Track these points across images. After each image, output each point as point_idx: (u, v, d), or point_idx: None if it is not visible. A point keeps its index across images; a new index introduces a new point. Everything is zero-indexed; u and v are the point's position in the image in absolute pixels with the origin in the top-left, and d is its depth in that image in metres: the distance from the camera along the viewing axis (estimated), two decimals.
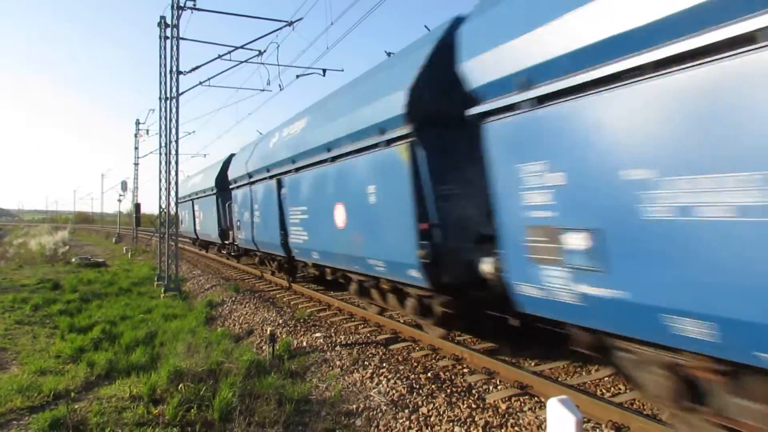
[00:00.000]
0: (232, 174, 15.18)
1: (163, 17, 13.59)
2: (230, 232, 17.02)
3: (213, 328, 8.93)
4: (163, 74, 13.79)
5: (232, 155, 17.37)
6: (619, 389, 5.11)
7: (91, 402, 5.02)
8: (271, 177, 11.19)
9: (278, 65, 15.05)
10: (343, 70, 16.22)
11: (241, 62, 15.11)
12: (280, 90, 16.21)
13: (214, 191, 18.19)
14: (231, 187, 15.50)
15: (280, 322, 8.52)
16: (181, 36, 13.51)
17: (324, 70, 15.65)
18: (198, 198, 21.36)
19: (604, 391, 5.08)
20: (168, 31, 13.45)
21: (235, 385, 5.21)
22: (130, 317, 9.63)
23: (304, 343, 7.22)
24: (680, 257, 2.80)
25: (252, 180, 12.78)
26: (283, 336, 7.62)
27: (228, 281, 13.90)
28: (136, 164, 35.07)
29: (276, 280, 13.41)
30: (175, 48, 13.36)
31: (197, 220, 22.59)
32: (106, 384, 5.71)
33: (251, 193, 13.01)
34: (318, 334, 7.53)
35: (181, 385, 5.19)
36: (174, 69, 13.40)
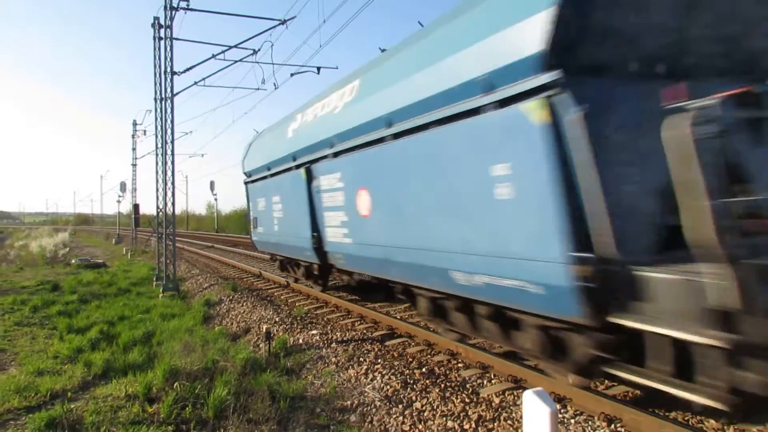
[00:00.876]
0: None
1: (156, 18, 13.57)
2: None
3: (210, 327, 8.97)
4: (157, 75, 13.79)
5: None
6: (613, 383, 5.13)
7: (87, 401, 5.05)
8: None
9: (272, 64, 15.03)
10: (337, 68, 16.32)
11: (236, 61, 15.12)
12: (275, 89, 16.23)
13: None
14: None
15: (277, 320, 8.56)
16: (174, 36, 13.55)
17: (318, 68, 15.69)
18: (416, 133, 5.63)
19: (597, 383, 5.10)
20: (162, 32, 13.45)
21: (230, 383, 5.24)
22: (128, 317, 9.67)
23: (301, 341, 7.25)
24: None
25: None
26: (280, 334, 7.65)
27: (226, 280, 13.92)
28: (134, 165, 35.14)
29: (274, 278, 13.42)
30: (169, 48, 13.38)
31: (365, 209, 6.88)
32: (103, 384, 5.74)
33: None
34: (314, 332, 7.55)
35: (176, 384, 5.22)
36: (168, 69, 13.41)
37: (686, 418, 4.19)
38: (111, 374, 6.01)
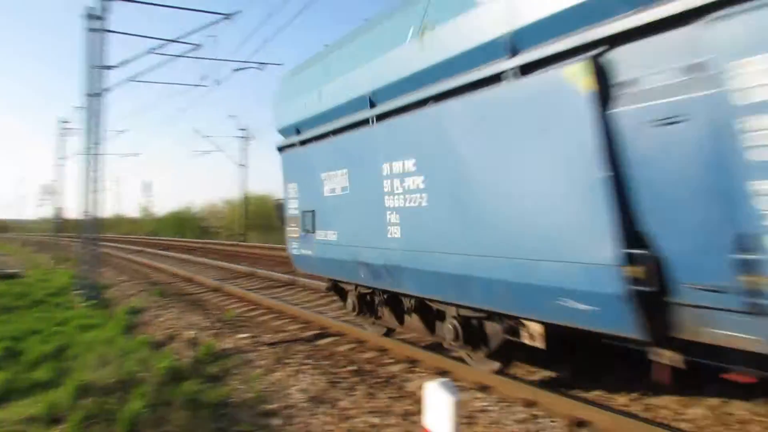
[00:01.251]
0: None
1: (89, 8, 12.49)
2: None
3: (133, 336, 8.44)
4: (88, 69, 12.73)
5: None
6: (533, 368, 5.32)
7: None
8: None
9: (214, 60, 14.32)
10: (282, 64, 15.95)
11: (175, 56, 14.26)
12: (217, 85, 15.52)
13: None
14: None
15: (206, 325, 8.20)
16: (108, 29, 12.54)
17: (262, 64, 15.24)
18: None
19: (524, 373, 5.27)
20: (95, 23, 12.41)
21: (148, 394, 4.93)
22: (40, 331, 8.89)
23: (230, 345, 6.98)
24: None
25: None
26: (208, 339, 7.33)
27: (155, 285, 13.21)
28: (59, 166, 32.70)
29: (205, 281, 12.89)
30: (102, 41, 12.39)
31: None
32: (1, 408, 5.21)
33: None
34: (243, 335, 7.30)
35: (85, 401, 4.84)
36: (101, 64, 12.44)
37: (594, 399, 4.42)
38: (13, 396, 5.48)
